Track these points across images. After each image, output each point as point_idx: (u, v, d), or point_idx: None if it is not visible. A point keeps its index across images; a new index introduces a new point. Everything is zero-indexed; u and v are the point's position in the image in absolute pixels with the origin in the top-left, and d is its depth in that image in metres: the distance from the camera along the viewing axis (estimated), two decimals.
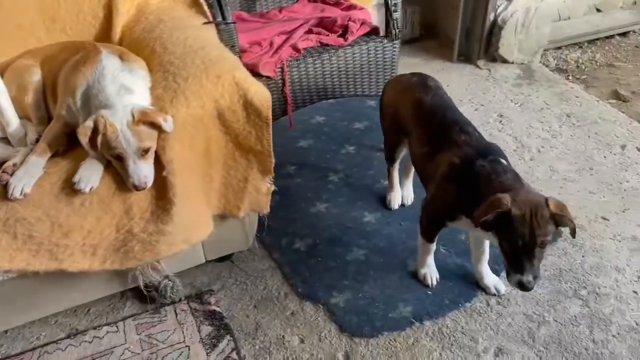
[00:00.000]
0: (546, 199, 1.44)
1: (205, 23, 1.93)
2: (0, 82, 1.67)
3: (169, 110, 1.58)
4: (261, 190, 1.80)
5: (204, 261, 1.96)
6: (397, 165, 2.19)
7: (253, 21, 2.49)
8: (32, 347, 1.80)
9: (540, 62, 3.41)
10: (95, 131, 1.49)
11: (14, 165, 1.57)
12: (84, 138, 1.49)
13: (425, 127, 1.83)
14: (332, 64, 2.23)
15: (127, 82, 1.59)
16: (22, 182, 1.50)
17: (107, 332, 1.84)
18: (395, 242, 2.11)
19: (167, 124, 1.54)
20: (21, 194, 1.49)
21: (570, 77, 3.29)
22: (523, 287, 1.44)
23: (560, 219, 1.43)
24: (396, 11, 2.19)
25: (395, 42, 2.28)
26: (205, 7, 2.04)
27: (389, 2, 2.16)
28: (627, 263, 1.98)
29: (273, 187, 1.83)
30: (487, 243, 1.83)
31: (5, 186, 1.50)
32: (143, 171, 1.53)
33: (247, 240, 1.98)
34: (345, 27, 2.28)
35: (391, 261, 2.03)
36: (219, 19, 1.95)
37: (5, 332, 1.84)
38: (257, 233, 2.04)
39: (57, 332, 1.86)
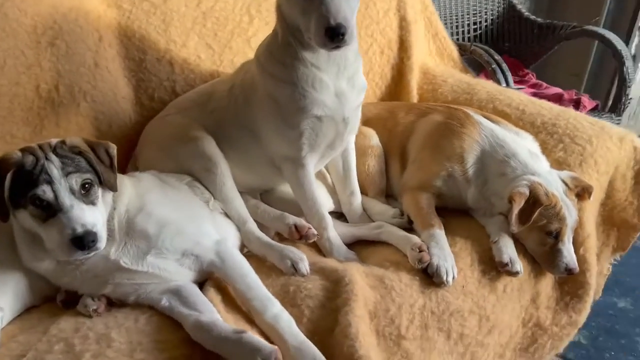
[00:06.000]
0: None
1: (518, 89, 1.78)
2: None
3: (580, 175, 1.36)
4: (601, 272, 1.57)
5: None
6: None
7: None
8: None
9: None
10: (529, 202, 1.21)
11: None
12: (517, 206, 1.20)
13: None
14: None
15: (530, 146, 1.35)
16: (448, 263, 1.16)
17: None
18: None
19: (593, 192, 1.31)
20: (452, 278, 1.15)
21: None
22: None
23: None
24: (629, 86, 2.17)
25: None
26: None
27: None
28: None
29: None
30: None
31: (426, 269, 1.15)
32: (573, 253, 1.25)
33: None
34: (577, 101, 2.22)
35: None
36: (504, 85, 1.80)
37: None
38: None
39: None
